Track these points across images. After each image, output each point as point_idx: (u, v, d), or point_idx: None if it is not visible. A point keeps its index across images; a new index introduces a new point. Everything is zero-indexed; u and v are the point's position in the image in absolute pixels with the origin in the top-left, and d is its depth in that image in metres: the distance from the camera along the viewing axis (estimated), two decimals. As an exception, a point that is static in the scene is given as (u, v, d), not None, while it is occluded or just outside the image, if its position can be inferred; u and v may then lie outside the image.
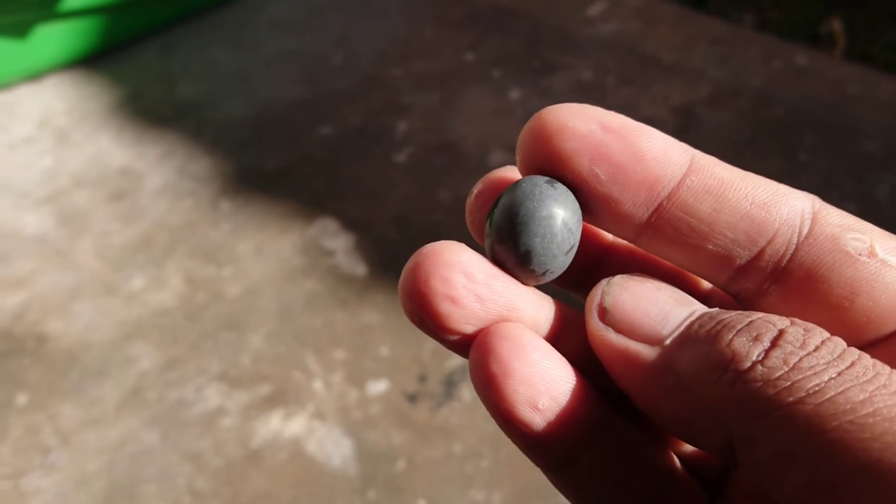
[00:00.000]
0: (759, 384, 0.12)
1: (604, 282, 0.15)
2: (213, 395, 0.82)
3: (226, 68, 1.33)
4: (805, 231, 0.15)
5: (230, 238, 1.00)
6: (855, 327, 0.14)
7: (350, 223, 1.01)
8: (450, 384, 0.82)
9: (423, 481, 0.74)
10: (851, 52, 1.29)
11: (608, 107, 0.16)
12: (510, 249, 0.15)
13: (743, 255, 0.15)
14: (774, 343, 0.12)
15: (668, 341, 0.14)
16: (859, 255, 0.14)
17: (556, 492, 0.16)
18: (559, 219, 0.15)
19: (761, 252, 0.15)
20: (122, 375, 0.84)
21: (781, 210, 0.15)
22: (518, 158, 0.16)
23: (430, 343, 0.85)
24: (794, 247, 0.15)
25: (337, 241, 0.99)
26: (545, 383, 0.14)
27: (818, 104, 1.18)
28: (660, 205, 0.15)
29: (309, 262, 0.96)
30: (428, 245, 0.15)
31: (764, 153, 1.09)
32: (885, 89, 1.21)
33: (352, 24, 1.39)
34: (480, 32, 1.34)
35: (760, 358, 0.12)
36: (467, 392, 0.80)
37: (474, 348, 0.15)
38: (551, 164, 0.15)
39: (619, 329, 0.14)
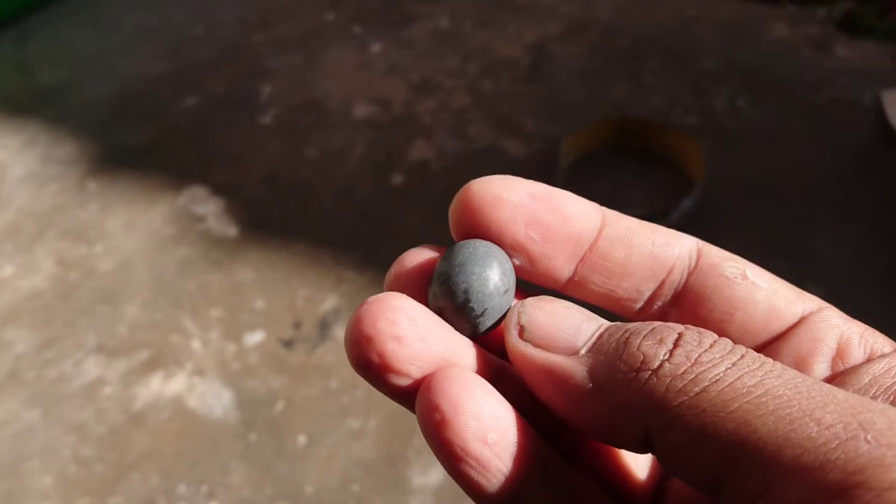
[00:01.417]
0: (668, 379, 0.14)
1: (517, 304, 0.17)
2: (92, 368, 0.83)
3: (85, 51, 1.31)
4: (693, 263, 0.18)
5: (99, 216, 1.00)
6: (735, 339, 0.17)
7: (219, 188, 1.03)
8: (324, 326, 0.85)
9: (302, 418, 0.77)
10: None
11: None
12: (451, 290, 0.17)
13: (649, 288, 0.18)
14: (676, 343, 0.14)
15: (582, 351, 0.15)
16: (735, 278, 0.17)
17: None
18: (495, 261, 0.17)
19: (662, 283, 0.18)
20: (-2, 361, 0.84)
21: (675, 248, 0.18)
22: (452, 227, 0.18)
23: (304, 291, 0.88)
24: (685, 276, 0.18)
25: (207, 207, 1.00)
26: (493, 419, 0.15)
27: (662, 30, 1.24)
28: (583, 256, 0.18)
29: (180, 229, 0.97)
30: (373, 296, 0.16)
31: (613, 79, 1.15)
32: (723, 9, 1.28)
33: (211, -6, 1.38)
34: (340, -9, 1.35)
35: (666, 357, 0.14)
36: (341, 332, 0.83)
37: (423, 390, 0.15)
38: (487, 232, 0.17)
39: (537, 343, 0.16)
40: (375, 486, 0.72)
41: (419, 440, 0.74)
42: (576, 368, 0.15)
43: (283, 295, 0.88)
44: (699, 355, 0.14)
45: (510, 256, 0.17)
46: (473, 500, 0.16)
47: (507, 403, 0.16)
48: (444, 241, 0.18)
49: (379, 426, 0.76)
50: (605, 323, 0.16)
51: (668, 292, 0.18)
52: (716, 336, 0.15)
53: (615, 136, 1.03)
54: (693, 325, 0.16)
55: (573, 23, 1.25)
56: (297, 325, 0.85)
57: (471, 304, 0.17)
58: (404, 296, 0.16)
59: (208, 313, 0.87)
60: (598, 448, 0.19)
